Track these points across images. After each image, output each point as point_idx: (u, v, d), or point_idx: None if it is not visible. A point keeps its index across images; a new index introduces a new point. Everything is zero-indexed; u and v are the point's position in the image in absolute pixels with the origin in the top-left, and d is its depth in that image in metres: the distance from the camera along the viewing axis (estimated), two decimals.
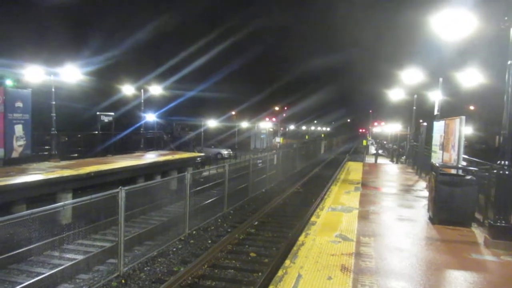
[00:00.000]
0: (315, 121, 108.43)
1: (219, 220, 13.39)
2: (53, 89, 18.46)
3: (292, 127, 79.46)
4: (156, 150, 24.91)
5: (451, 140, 11.25)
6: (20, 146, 15.40)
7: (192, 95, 51.98)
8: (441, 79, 16.10)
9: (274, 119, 62.61)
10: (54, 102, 18.53)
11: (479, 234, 8.19)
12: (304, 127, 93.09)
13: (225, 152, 37.56)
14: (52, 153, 18.09)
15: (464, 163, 10.90)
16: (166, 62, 44.16)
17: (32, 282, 7.69)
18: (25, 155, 15.74)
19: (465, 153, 11.20)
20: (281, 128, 62.55)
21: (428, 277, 5.84)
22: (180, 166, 20.05)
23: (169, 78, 40.87)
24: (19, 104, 15.34)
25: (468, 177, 8.92)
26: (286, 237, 11.49)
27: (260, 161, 22.19)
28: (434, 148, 14.10)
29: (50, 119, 18.50)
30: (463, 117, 10.44)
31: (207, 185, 19.16)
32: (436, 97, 16.58)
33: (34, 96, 16.24)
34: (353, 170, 19.84)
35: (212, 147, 38.52)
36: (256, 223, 13.11)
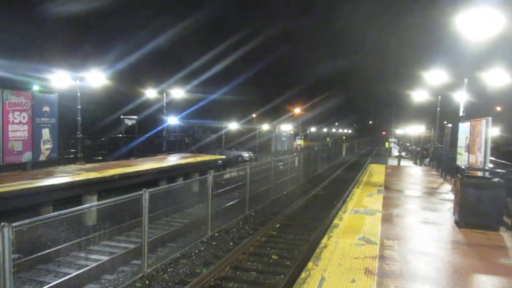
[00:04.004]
0: (336, 123, 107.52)
1: (241, 222, 13.43)
2: (78, 94, 18.94)
3: (313, 129, 79.00)
4: (178, 153, 25.17)
5: (477, 142, 11.01)
6: (47, 149, 15.81)
7: (214, 98, 52.35)
8: (466, 80, 15.77)
9: (295, 121, 62.33)
10: (79, 107, 18.99)
11: (507, 238, 7.97)
12: (325, 129, 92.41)
13: (246, 154, 37.65)
14: (78, 156, 18.54)
15: (491, 165, 10.64)
16: (188, 66, 44.67)
17: (60, 282, 7.88)
18: (52, 158, 16.15)
19: (491, 155, 10.93)
20: (302, 131, 62.24)
21: (454, 281, 5.72)
22: (201, 168, 20.21)
23: (191, 82, 41.33)
24: (46, 108, 15.75)
25: (496, 179, 8.71)
26: (308, 240, 11.44)
27: (282, 163, 22.15)
28: (459, 150, 13.81)
29: (75, 122, 18.95)
30: (490, 118, 10.20)
31: (229, 187, 19.24)
32: (461, 98, 16.25)
33: (59, 100, 16.63)
34: (376, 172, 19.59)
35: (233, 149, 38.65)
36: (277, 225, 13.09)
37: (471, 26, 9.15)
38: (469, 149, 12.03)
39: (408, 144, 55.44)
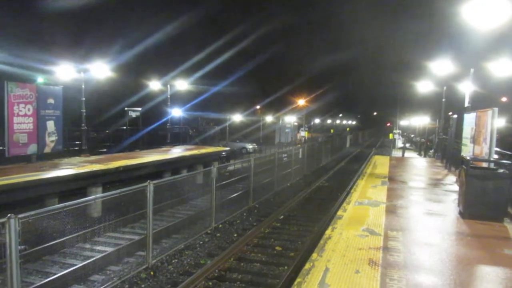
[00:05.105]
0: (340, 115, 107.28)
1: (245, 214, 13.47)
2: (83, 86, 18.95)
3: (317, 120, 78.82)
4: (182, 145, 25.20)
5: (482, 133, 10.93)
6: (52, 141, 15.88)
7: (217, 90, 52.24)
8: (472, 70, 15.63)
9: (299, 112, 62.16)
10: (84, 98, 19.02)
11: None
12: (329, 121, 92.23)
13: (250, 146, 37.65)
14: (82, 148, 18.62)
15: (496, 156, 10.58)
16: (192, 58, 44.53)
17: (65, 273, 7.95)
18: (57, 150, 16.22)
19: (497, 146, 10.86)
20: (306, 123, 62.11)
21: (458, 272, 5.72)
22: (205, 160, 20.23)
23: (195, 74, 41.24)
24: (51, 100, 15.79)
25: (501, 170, 8.66)
26: (312, 231, 11.46)
27: (285, 155, 22.13)
28: (464, 141, 13.73)
29: (79, 114, 18.98)
30: (496, 109, 10.10)
31: (233, 179, 19.28)
32: (466, 88, 16.13)
33: (64, 92, 16.64)
34: (380, 164, 19.54)
35: (237, 141, 38.64)
36: (281, 217, 13.12)
37: (478, 15, 9.05)
38: (474, 140, 11.96)
39: (412, 136, 55.24)
